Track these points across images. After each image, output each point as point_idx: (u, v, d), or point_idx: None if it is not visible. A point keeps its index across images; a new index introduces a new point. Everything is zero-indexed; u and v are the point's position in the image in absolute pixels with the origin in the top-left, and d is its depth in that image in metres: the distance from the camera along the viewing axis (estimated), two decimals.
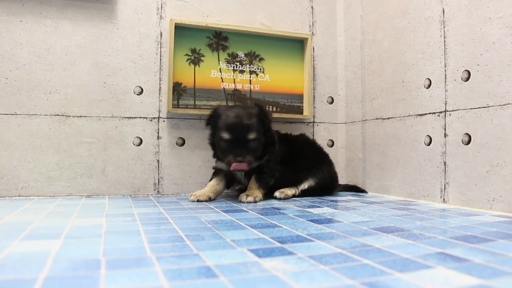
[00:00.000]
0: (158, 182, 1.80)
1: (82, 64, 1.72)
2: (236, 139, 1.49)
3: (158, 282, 0.59)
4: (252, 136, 1.50)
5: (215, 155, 1.67)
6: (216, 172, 1.68)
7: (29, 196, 1.63)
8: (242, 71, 1.92)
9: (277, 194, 1.65)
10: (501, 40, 1.30)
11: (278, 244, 0.82)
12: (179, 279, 0.60)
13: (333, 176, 1.83)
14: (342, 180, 2.10)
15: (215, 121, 1.56)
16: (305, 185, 1.71)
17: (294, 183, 1.71)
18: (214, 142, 1.60)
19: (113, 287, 0.57)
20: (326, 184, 1.76)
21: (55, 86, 1.68)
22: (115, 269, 0.65)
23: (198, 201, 1.53)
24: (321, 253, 0.76)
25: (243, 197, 1.54)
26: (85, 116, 1.71)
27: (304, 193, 1.70)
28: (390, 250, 0.78)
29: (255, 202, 1.52)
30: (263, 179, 1.63)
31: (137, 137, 1.78)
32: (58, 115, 1.68)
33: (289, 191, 1.67)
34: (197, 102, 1.84)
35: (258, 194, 1.57)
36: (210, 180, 1.67)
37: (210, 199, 1.57)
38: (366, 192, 1.92)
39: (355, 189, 1.95)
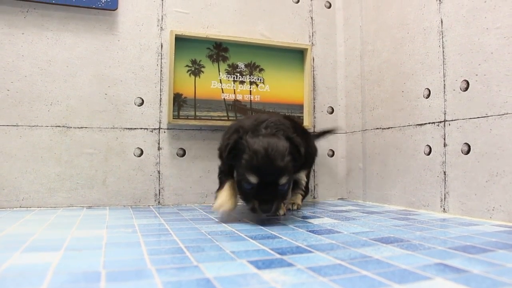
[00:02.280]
0: (159, 193, 1.80)
1: (83, 75, 1.73)
2: (264, 184, 1.21)
3: None
4: (283, 180, 1.23)
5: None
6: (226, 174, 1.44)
7: (30, 207, 1.63)
8: (242, 82, 1.93)
9: (289, 207, 1.61)
10: (499, 50, 1.31)
11: (278, 256, 0.83)
12: None
13: (315, 147, 1.82)
14: (342, 190, 2.11)
15: (238, 154, 1.26)
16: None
17: None
18: (235, 172, 1.34)
19: None
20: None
21: (56, 98, 1.69)
22: (115, 281, 0.66)
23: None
24: (321, 264, 0.76)
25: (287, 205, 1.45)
26: (86, 127, 1.72)
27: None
28: (389, 261, 0.78)
29: (298, 209, 1.56)
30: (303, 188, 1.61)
31: (138, 148, 1.78)
32: (59, 126, 1.69)
33: (298, 199, 1.67)
34: (197, 113, 1.85)
35: (298, 201, 1.61)
36: (220, 183, 1.46)
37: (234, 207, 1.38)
38: (335, 131, 1.94)
39: (329, 131, 2.01)
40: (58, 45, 1.70)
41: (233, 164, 1.32)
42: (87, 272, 0.71)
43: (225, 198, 1.36)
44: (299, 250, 0.88)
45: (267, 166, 1.20)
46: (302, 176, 1.59)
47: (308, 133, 1.79)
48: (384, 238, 1.02)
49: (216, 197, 1.40)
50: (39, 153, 1.66)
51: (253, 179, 1.20)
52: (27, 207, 1.63)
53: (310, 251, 0.87)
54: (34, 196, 1.64)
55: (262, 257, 0.81)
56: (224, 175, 1.44)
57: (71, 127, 1.70)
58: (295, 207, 1.63)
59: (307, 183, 1.75)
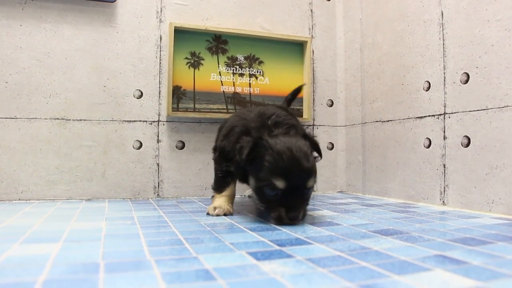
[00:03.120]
0: (158, 186, 1.80)
1: (82, 68, 1.72)
2: (292, 188, 1.07)
3: (157, 285, 0.59)
4: (311, 183, 1.11)
5: (219, 155, 1.33)
6: (225, 177, 1.34)
7: (29, 199, 1.63)
8: (241, 74, 1.93)
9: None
10: (499, 42, 1.30)
11: (277, 247, 0.83)
12: (177, 282, 0.61)
13: None
14: (342, 183, 2.11)
15: (256, 157, 1.11)
16: None
17: None
18: (250, 178, 1.18)
19: None
20: None
21: (55, 90, 1.68)
22: (114, 272, 0.65)
23: (217, 215, 1.27)
24: (320, 256, 0.76)
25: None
26: (85, 120, 1.71)
27: None
28: (388, 253, 0.78)
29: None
30: None
31: (137, 140, 1.78)
32: (58, 118, 1.68)
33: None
34: (196, 106, 1.85)
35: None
36: (218, 186, 1.35)
37: (231, 213, 1.30)
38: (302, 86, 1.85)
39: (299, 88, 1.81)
40: (57, 37, 1.69)
41: (247, 169, 1.16)
42: (86, 263, 0.71)
43: (221, 202, 1.32)
44: (298, 242, 0.88)
45: (295, 169, 1.07)
46: None
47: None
48: (384, 230, 1.02)
49: (212, 201, 1.36)
50: (38, 146, 1.65)
51: (280, 183, 1.06)
52: (26, 200, 1.62)
53: (309, 243, 0.87)
54: (33, 189, 1.64)
55: (261, 249, 0.81)
56: (223, 178, 1.34)
57: (70, 120, 1.70)
58: None
59: None
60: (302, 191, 1.10)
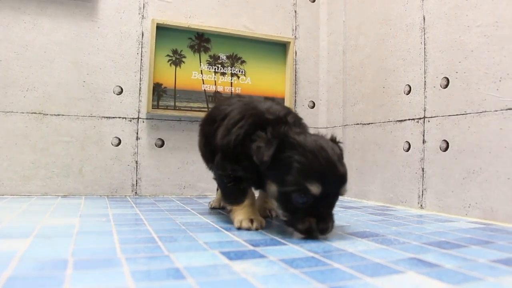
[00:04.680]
0: (136, 183, 1.78)
1: (61, 62, 1.69)
2: (326, 195, 0.91)
3: (125, 283, 0.58)
4: (345, 191, 0.97)
5: (225, 160, 1.07)
6: (238, 184, 1.08)
7: (3, 195, 1.60)
8: (223, 73, 1.92)
9: (268, 213, 1.26)
10: (479, 48, 1.31)
11: (251, 247, 0.82)
12: (146, 280, 0.59)
13: None
14: None
15: (284, 157, 0.93)
16: None
17: None
18: (272, 183, 0.97)
19: (77, 287, 0.56)
20: None
21: (32, 84, 1.65)
22: (82, 269, 0.64)
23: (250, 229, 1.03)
24: (293, 256, 0.75)
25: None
26: (63, 115, 1.69)
27: None
28: (362, 255, 0.77)
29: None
30: None
31: (115, 137, 1.75)
32: (35, 113, 1.65)
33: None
34: (177, 104, 1.83)
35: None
36: (235, 198, 1.09)
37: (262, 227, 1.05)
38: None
39: None
40: (36, 30, 1.66)
41: (267, 173, 0.97)
42: (55, 260, 0.69)
43: (250, 213, 1.07)
44: (273, 242, 0.87)
45: (331, 172, 0.92)
46: None
47: None
48: (360, 232, 1.02)
49: (234, 213, 1.09)
50: (13, 140, 1.62)
51: (314, 188, 0.89)
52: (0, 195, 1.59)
53: (284, 244, 0.86)
54: (7, 184, 1.61)
55: (235, 249, 0.80)
56: (236, 187, 1.07)
57: (47, 114, 1.67)
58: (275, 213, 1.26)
59: None
60: (334, 198, 0.95)
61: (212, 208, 1.40)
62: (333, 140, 1.05)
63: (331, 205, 0.95)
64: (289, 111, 1.09)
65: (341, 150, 1.04)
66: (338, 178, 0.93)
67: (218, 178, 1.16)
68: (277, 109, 1.07)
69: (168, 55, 1.83)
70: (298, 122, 1.08)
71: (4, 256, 0.70)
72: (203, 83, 1.88)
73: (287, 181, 0.91)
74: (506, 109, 1.22)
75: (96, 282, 0.58)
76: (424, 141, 1.50)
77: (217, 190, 1.47)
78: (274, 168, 0.94)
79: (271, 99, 1.21)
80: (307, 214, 0.91)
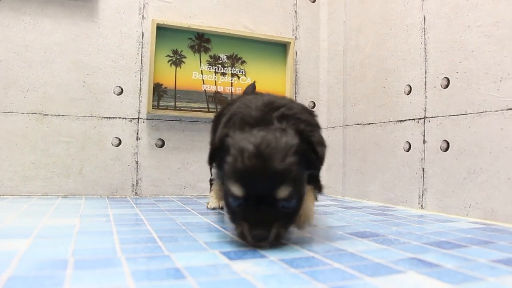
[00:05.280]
0: (137, 184, 1.78)
1: (61, 62, 1.69)
2: (257, 198, 0.80)
3: (125, 282, 0.58)
4: (284, 193, 0.80)
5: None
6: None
7: (3, 195, 1.60)
8: (223, 74, 1.92)
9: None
10: (479, 48, 1.31)
11: (251, 247, 0.82)
12: (146, 280, 0.59)
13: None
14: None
15: (222, 158, 0.87)
16: None
17: None
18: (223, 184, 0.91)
19: (77, 287, 0.56)
20: None
21: (33, 84, 1.65)
22: (82, 269, 0.64)
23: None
24: (293, 256, 0.75)
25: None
26: (63, 115, 1.69)
27: None
28: (363, 255, 0.77)
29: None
30: (317, 191, 1.05)
31: (116, 137, 1.75)
32: (35, 113, 1.65)
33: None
34: (177, 104, 1.83)
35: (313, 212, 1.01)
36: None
37: None
38: None
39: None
40: (36, 30, 1.66)
41: (220, 171, 0.93)
42: (55, 260, 0.69)
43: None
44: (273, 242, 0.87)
45: (257, 171, 0.79)
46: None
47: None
48: (360, 232, 1.02)
49: None
50: (13, 140, 1.62)
51: (237, 190, 0.81)
52: (0, 195, 1.59)
53: (284, 244, 0.86)
54: (8, 184, 1.61)
55: (235, 249, 0.80)
56: None
57: (47, 115, 1.67)
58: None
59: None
60: (273, 203, 0.80)
61: (212, 209, 1.40)
62: (301, 132, 0.88)
63: (269, 209, 0.80)
64: (287, 110, 0.97)
65: (310, 142, 0.88)
66: (267, 178, 0.79)
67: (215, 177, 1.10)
68: (275, 106, 0.97)
69: (168, 56, 1.83)
70: (295, 119, 0.95)
71: (4, 256, 0.70)
72: (204, 84, 1.88)
73: (224, 184, 0.87)
74: (507, 109, 1.22)
75: (96, 282, 0.58)
76: (424, 141, 1.50)
77: (210, 191, 1.49)
78: (218, 170, 0.92)
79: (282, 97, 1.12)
80: (242, 219, 0.83)
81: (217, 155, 0.89)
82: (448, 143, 1.40)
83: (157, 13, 1.83)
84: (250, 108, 0.96)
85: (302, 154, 0.84)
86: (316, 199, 1.04)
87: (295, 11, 2.09)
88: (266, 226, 0.80)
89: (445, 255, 0.78)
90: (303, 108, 1.07)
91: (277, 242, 0.83)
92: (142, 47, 1.81)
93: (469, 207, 1.31)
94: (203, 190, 1.85)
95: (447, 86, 1.42)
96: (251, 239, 0.80)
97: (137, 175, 1.78)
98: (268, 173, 0.79)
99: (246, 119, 0.92)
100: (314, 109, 2.11)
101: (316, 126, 1.03)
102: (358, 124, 1.87)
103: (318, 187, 1.04)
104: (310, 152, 0.87)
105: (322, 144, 0.92)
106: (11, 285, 0.56)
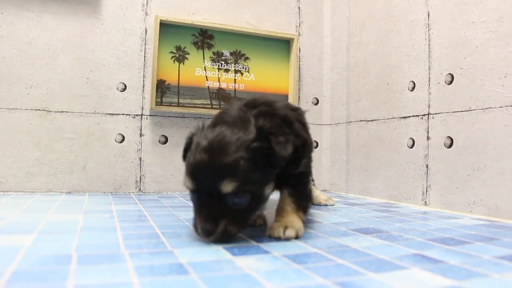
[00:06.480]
0: (140, 180, 1.78)
1: (65, 59, 1.69)
2: (206, 192, 0.82)
3: (128, 278, 0.58)
4: (229, 188, 0.79)
5: None
6: None
7: (7, 191, 1.60)
8: (227, 70, 1.91)
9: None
10: (484, 44, 1.30)
11: (254, 243, 0.82)
12: (149, 275, 0.59)
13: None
14: (325, 182, 2.10)
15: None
16: None
17: None
18: None
19: (81, 282, 0.56)
20: None
21: (36, 81, 1.65)
22: (86, 264, 0.64)
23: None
24: (297, 252, 0.75)
25: (277, 230, 0.88)
26: (66, 112, 1.69)
27: None
28: (366, 251, 0.77)
29: (297, 237, 0.89)
30: (302, 197, 1.00)
31: (119, 134, 1.76)
32: (39, 110, 1.65)
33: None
34: (181, 100, 1.83)
35: (299, 223, 0.93)
36: None
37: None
38: None
39: None
40: (40, 27, 1.66)
41: None
42: (58, 255, 0.69)
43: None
44: (276, 238, 0.87)
45: (202, 164, 0.80)
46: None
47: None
48: (364, 228, 1.02)
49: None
50: (17, 137, 1.62)
51: (188, 183, 0.84)
52: (4, 192, 1.59)
53: (287, 239, 0.86)
54: (12, 181, 1.61)
55: (238, 244, 0.80)
56: None
57: (51, 111, 1.67)
58: (260, 222, 1.05)
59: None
60: (220, 198, 0.80)
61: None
62: (260, 128, 0.86)
63: (216, 204, 0.81)
64: (266, 107, 0.96)
65: (268, 138, 0.84)
66: (210, 172, 0.80)
67: None
68: (256, 104, 0.97)
69: (171, 52, 1.83)
70: (273, 116, 0.94)
71: (9, 252, 0.70)
72: (207, 80, 1.88)
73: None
74: (511, 106, 1.21)
75: (100, 277, 0.58)
76: (428, 138, 1.50)
77: None
78: None
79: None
80: (194, 211, 0.85)
81: (186, 151, 0.91)
82: (452, 140, 1.40)
83: (160, 10, 1.83)
84: (231, 108, 0.96)
85: (258, 151, 0.83)
86: (302, 212, 0.98)
87: (299, 7, 2.09)
88: (213, 221, 0.80)
89: (449, 251, 0.78)
90: (285, 105, 1.05)
91: (226, 239, 0.81)
92: (145, 44, 1.80)
93: (473, 203, 1.31)
94: None
95: (451, 82, 1.42)
96: (200, 231, 0.81)
97: (140, 172, 1.78)
98: (212, 167, 0.80)
99: (225, 118, 0.92)
100: (317, 106, 2.11)
101: (295, 122, 0.99)
102: (362, 120, 1.86)
103: (303, 197, 1.00)
104: (268, 149, 0.84)
105: (287, 141, 0.87)
106: (16, 280, 0.56)
